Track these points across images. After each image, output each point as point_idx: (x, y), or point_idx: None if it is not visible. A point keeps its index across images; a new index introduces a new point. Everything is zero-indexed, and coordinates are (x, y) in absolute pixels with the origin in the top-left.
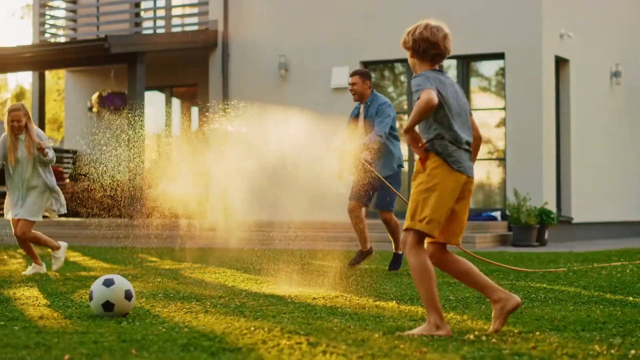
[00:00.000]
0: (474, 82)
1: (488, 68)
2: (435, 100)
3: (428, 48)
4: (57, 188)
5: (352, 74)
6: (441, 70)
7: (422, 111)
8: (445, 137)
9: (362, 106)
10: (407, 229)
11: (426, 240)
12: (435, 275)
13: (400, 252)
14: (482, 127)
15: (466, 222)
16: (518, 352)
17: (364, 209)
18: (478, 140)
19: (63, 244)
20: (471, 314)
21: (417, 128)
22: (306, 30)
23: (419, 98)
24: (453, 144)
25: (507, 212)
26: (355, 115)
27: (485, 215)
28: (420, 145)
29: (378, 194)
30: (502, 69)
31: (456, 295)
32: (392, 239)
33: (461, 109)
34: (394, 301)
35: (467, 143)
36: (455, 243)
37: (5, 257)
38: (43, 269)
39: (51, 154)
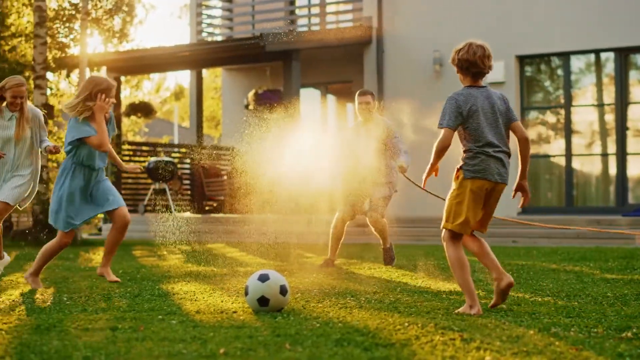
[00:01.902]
0: (633, 75)
1: None
2: (447, 144)
3: (470, 67)
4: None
5: (365, 93)
6: (478, 86)
7: (437, 153)
8: (472, 150)
9: (359, 126)
10: (444, 228)
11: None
12: (468, 264)
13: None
14: None
15: (492, 214)
16: None
17: None
18: (524, 142)
19: (7, 258)
20: (629, 310)
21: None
22: (461, 25)
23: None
24: (481, 153)
25: None
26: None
27: None
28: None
29: (373, 200)
30: None
31: (614, 292)
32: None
33: (495, 119)
34: (550, 297)
35: (502, 151)
36: (484, 231)
37: (165, 252)
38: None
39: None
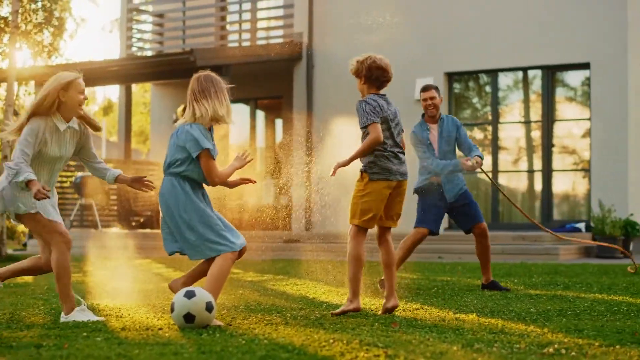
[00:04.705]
0: (559, 92)
1: (573, 78)
2: (381, 137)
3: (379, 76)
4: None
5: (428, 88)
6: (381, 94)
7: (370, 146)
8: (376, 152)
9: (431, 125)
10: (351, 224)
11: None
12: (364, 264)
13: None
14: (567, 137)
15: (400, 211)
16: None
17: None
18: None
19: None
20: (551, 326)
21: None
22: (389, 42)
23: (367, 133)
24: (382, 156)
25: (592, 224)
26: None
27: (569, 227)
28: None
29: (470, 210)
30: (588, 79)
31: (537, 308)
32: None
33: (397, 125)
34: (474, 314)
35: (401, 152)
36: (392, 225)
37: (90, 268)
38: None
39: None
